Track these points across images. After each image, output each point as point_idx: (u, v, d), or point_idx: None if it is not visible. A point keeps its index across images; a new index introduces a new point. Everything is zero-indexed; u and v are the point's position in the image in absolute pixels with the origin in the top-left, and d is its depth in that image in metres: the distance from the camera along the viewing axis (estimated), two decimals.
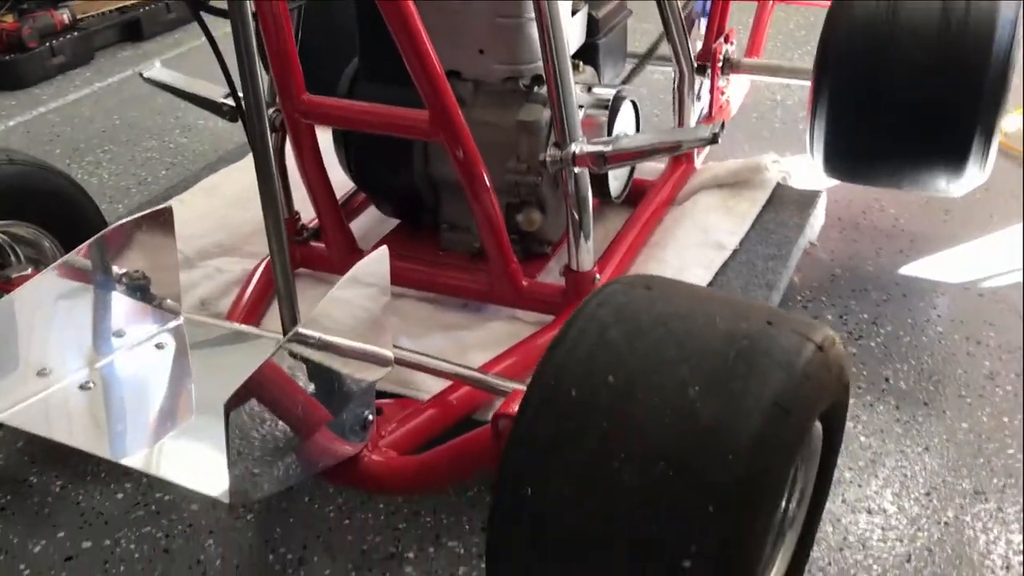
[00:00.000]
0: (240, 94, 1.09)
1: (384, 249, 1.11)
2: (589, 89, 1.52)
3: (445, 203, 1.61)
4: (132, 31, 3.43)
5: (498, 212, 1.40)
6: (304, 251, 1.64)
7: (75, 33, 3.24)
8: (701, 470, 0.80)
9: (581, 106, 1.48)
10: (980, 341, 1.70)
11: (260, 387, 0.95)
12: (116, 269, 1.26)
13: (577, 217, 1.39)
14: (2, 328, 1.11)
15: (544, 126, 1.47)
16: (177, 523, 1.40)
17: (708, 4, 2.02)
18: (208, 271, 1.67)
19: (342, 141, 1.60)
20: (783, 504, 1.05)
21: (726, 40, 2.04)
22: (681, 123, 1.82)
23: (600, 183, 1.51)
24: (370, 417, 1.17)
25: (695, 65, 1.77)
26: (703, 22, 2.01)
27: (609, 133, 1.46)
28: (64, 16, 3.23)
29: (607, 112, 1.47)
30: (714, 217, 1.68)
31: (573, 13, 1.53)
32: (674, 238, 1.64)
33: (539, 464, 0.87)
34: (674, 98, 1.81)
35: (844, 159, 1.84)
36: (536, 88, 1.49)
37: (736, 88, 2.14)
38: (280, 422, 1.00)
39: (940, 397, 1.58)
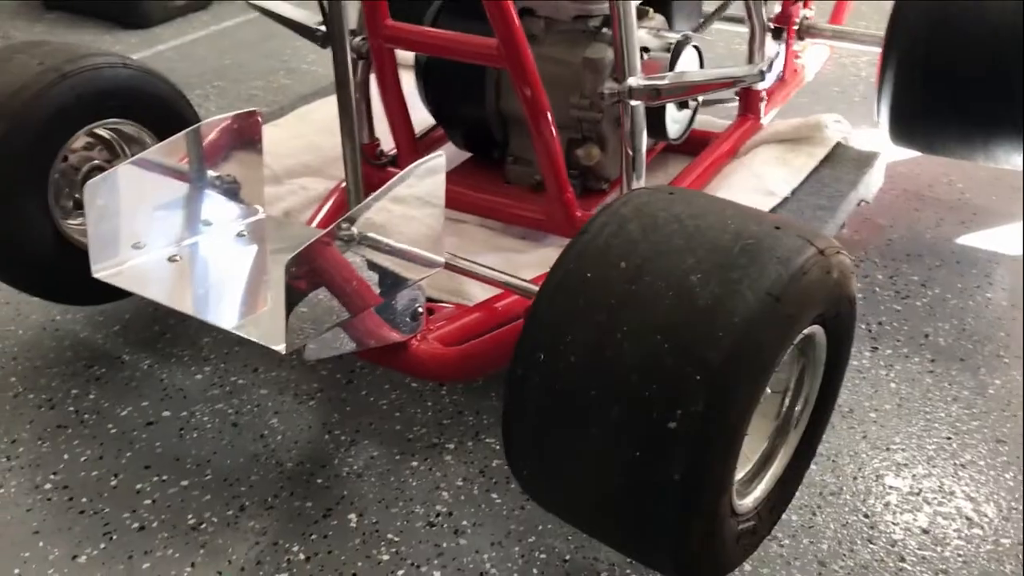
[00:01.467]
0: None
1: (441, 155, 1.23)
2: (656, 34, 1.60)
3: (512, 137, 1.72)
4: None
5: (557, 143, 1.50)
6: (382, 175, 1.77)
7: None
8: (692, 343, 0.89)
9: (646, 48, 1.56)
10: None
11: (313, 261, 1.08)
12: (207, 162, 1.41)
13: (631, 152, 1.48)
14: (104, 202, 1.26)
15: (608, 64, 1.56)
16: (247, 403, 1.55)
17: None
18: (293, 188, 1.82)
19: (423, 76, 1.72)
20: (783, 399, 1.13)
21: (804, 4, 2.09)
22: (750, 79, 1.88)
23: (658, 122, 1.60)
24: (420, 310, 1.29)
25: (767, 25, 1.83)
26: None
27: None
28: None
29: (669, 54, 1.55)
30: (770, 168, 1.74)
31: None
32: (728, 184, 1.71)
33: (552, 334, 0.97)
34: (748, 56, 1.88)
35: (911, 126, 1.88)
36: (603, 29, 1.58)
37: (813, 55, 2.18)
38: (333, 294, 1.13)
39: (977, 355, 1.61)
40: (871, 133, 2.01)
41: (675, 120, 1.63)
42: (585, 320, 0.95)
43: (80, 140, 1.54)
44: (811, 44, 2.13)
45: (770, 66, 1.34)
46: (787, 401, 1.14)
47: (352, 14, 1.56)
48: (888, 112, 1.88)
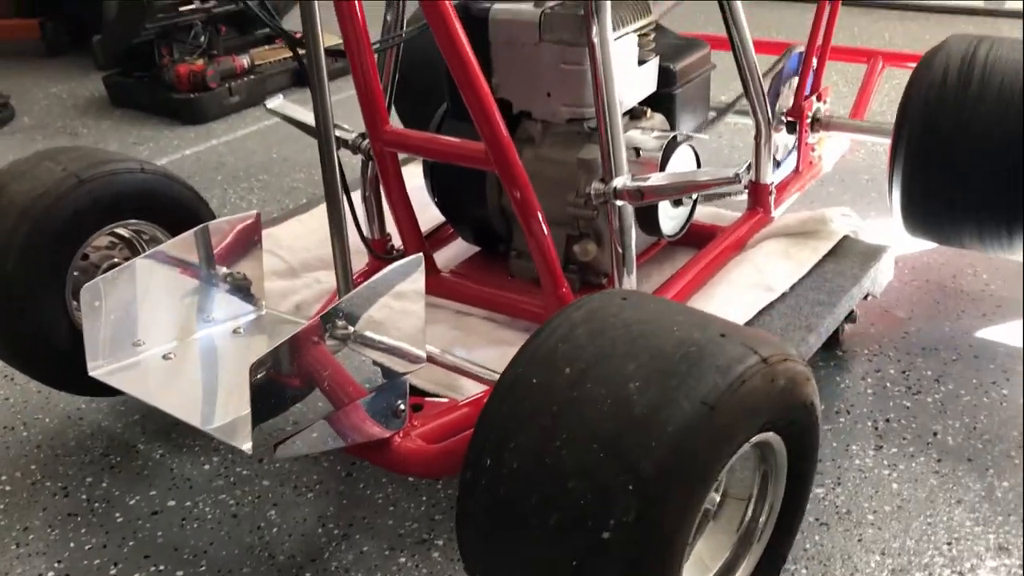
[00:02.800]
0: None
1: (419, 255, 1.27)
2: (651, 133, 1.63)
3: (515, 232, 1.76)
4: (301, 77, 3.80)
5: (549, 241, 1.53)
6: None
7: (251, 76, 3.63)
8: (627, 452, 0.90)
9: (638, 148, 1.60)
10: None
11: (286, 358, 1.12)
12: (208, 261, 1.48)
13: (621, 249, 1.50)
14: (100, 303, 1.33)
15: (600, 165, 1.59)
16: (248, 494, 1.59)
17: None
18: (308, 281, 1.88)
19: (429, 175, 1.78)
20: (746, 506, 1.12)
21: (819, 98, 2.11)
22: (758, 177, 1.89)
23: (652, 220, 1.62)
24: (402, 407, 1.32)
25: (772, 121, 1.85)
26: (795, 80, 2.08)
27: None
28: (244, 61, 3.63)
29: (660, 154, 1.58)
30: (773, 261, 1.74)
31: (641, 63, 1.65)
32: (728, 278, 1.72)
33: (499, 438, 0.99)
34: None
35: (923, 218, 1.87)
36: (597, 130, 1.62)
37: (832, 146, 2.19)
38: (311, 390, 1.17)
39: (986, 455, 1.57)
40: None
41: (670, 217, 1.65)
42: (530, 425, 0.97)
43: (102, 239, 1.63)
44: (827, 136, 2.14)
45: (748, 168, 1.36)
46: (750, 509, 1.13)
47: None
48: (900, 203, 1.87)
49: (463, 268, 1.83)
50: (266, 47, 3.82)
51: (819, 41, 2.06)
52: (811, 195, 2.41)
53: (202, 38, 3.65)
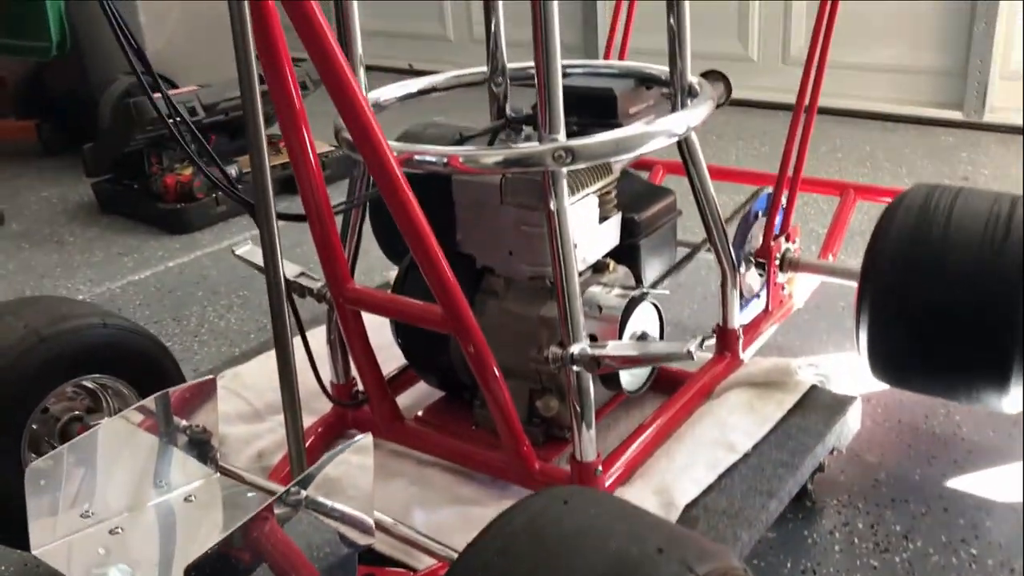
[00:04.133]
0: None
1: (368, 437, 1.27)
2: (613, 289, 1.64)
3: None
4: (290, 185, 3.84)
5: (508, 400, 1.52)
6: (356, 414, 1.82)
7: (239, 186, 3.66)
8: None
9: (599, 306, 1.60)
10: (1015, 569, 1.64)
11: (230, 548, 1.11)
12: (162, 427, 1.48)
13: (579, 410, 1.50)
14: (57, 477, 1.32)
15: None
16: None
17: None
18: (272, 425, 1.87)
19: (393, 321, 1.79)
20: None
21: (788, 238, 2.12)
22: (725, 321, 1.90)
23: (612, 377, 1.62)
24: None
25: (738, 265, 1.86)
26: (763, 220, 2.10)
27: (621, 334, 1.57)
28: (232, 170, 3.66)
29: (621, 313, 1.58)
30: (736, 416, 1.73)
31: (604, 219, 1.67)
32: (692, 434, 1.70)
33: None
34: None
35: (889, 363, 1.86)
36: None
37: (802, 283, 2.20)
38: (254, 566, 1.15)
39: None
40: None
41: (632, 373, 1.65)
42: None
43: (64, 390, 1.63)
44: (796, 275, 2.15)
45: (702, 343, 1.36)
46: None
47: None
48: (867, 350, 1.87)
49: (428, 414, 1.82)
50: None
51: (788, 178, 2.08)
52: (785, 324, 2.41)
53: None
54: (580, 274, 1.66)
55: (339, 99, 1.32)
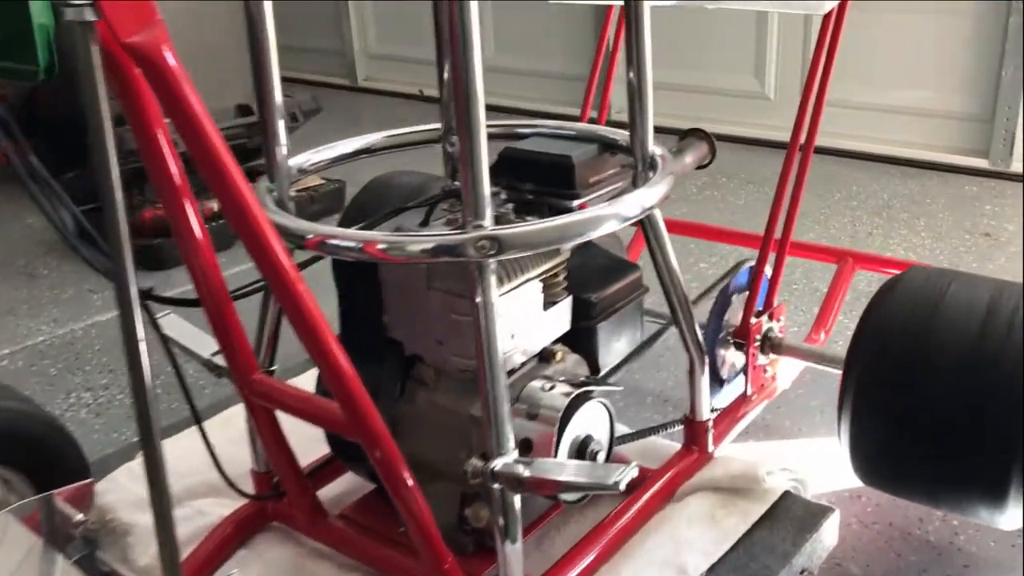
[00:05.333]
0: None
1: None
2: (553, 385, 1.46)
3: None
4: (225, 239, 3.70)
5: (424, 512, 1.34)
6: (276, 506, 1.65)
7: (219, 222, 3.53)
8: None
9: (531, 406, 1.42)
10: None
11: None
12: (45, 527, 1.32)
13: (503, 525, 1.31)
14: None
15: None
16: None
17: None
18: (189, 512, 1.70)
19: None
20: None
21: (771, 317, 1.93)
22: (693, 413, 1.71)
23: None
24: None
25: (704, 353, 1.66)
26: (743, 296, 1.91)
27: (559, 441, 1.39)
28: (213, 205, 3.53)
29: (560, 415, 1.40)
30: (695, 529, 1.54)
31: (549, 305, 1.49)
32: (643, 548, 1.51)
33: None
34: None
35: (869, 464, 1.66)
36: None
37: (787, 365, 2.00)
38: None
39: None
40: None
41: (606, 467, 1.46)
42: None
43: None
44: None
45: (636, 472, 1.18)
46: None
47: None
48: (849, 449, 1.67)
49: (353, 510, 1.64)
50: None
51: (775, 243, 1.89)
52: (777, 400, 2.22)
53: None
54: (520, 366, 1.48)
55: (209, 174, 1.16)
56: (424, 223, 1.52)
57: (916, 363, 1.56)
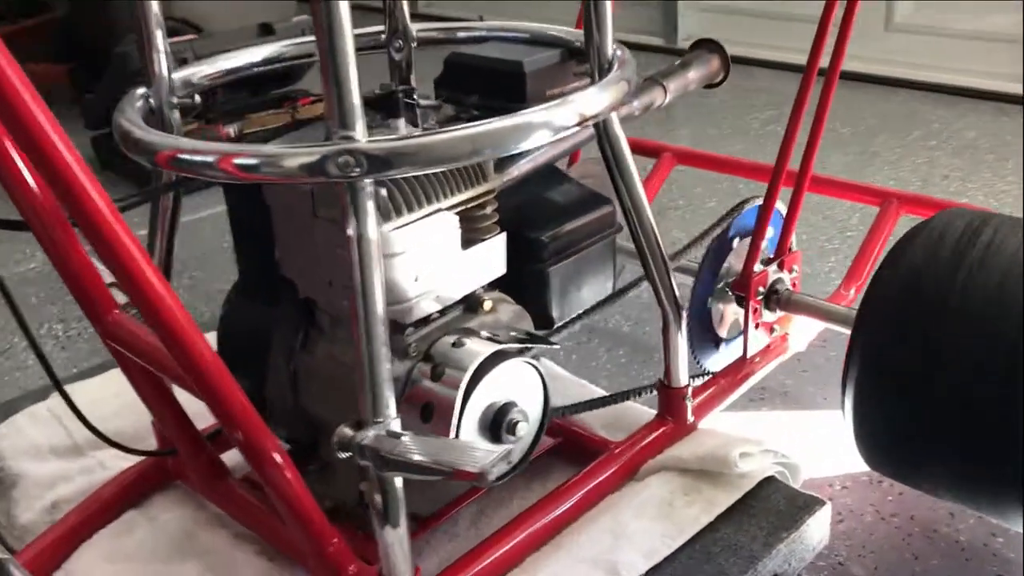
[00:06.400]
0: None
1: None
2: (471, 341, 1.20)
3: (321, 444, 1.35)
4: None
5: (296, 490, 1.11)
6: (176, 463, 1.45)
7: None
8: None
9: (438, 365, 1.17)
10: None
11: None
12: None
13: (380, 508, 1.07)
14: None
15: (395, 381, 1.17)
16: None
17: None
18: (89, 464, 1.52)
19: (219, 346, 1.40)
20: None
21: (781, 266, 1.61)
22: (668, 376, 1.43)
23: None
24: None
25: (682, 309, 1.38)
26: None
27: (462, 407, 1.13)
28: (231, 130, 3.34)
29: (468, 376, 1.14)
30: (644, 520, 1.26)
31: (471, 243, 1.22)
32: (576, 541, 1.25)
33: None
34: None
35: (877, 447, 1.36)
36: (403, 335, 1.19)
37: (804, 323, 1.69)
38: None
39: None
40: None
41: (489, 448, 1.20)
42: None
43: None
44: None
45: (501, 460, 0.91)
46: None
47: None
48: (852, 421, 1.37)
49: None
50: (269, 112, 3.54)
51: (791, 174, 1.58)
52: (803, 362, 1.92)
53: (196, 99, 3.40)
54: (434, 316, 1.23)
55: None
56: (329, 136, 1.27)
57: (939, 323, 1.24)
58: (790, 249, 1.68)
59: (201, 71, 1.39)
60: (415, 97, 1.33)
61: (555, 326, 1.40)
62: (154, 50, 1.24)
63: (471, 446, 0.96)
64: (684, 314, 1.38)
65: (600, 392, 1.60)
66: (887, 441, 1.33)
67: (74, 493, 1.45)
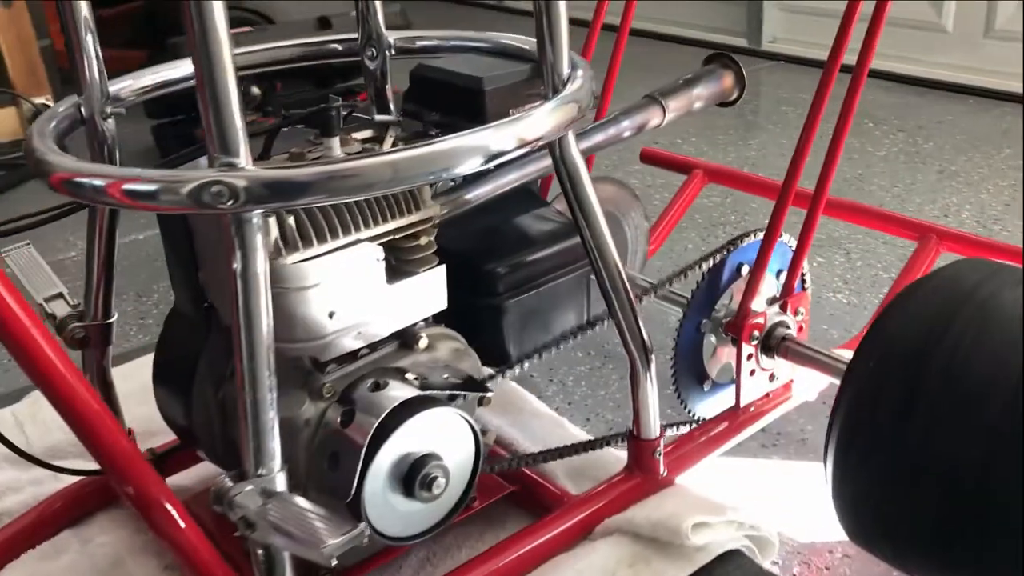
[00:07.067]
0: None
1: None
2: (381, 383, 1.09)
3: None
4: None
5: (191, 540, 1.04)
6: None
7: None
8: None
9: (350, 409, 1.07)
10: None
11: None
12: None
13: (263, 570, 0.98)
14: None
15: (304, 425, 1.08)
16: None
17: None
18: (41, 475, 1.47)
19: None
20: None
21: (784, 308, 1.46)
22: (637, 427, 1.30)
23: (356, 510, 1.07)
24: None
25: (650, 355, 1.24)
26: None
27: (366, 458, 1.03)
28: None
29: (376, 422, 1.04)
30: None
31: (403, 276, 1.12)
32: None
33: None
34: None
35: (856, 514, 1.20)
36: (323, 373, 1.10)
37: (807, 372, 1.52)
38: None
39: None
40: None
41: (398, 514, 1.09)
42: None
43: None
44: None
45: (354, 537, 0.81)
46: None
47: None
48: (831, 482, 1.20)
49: (197, 500, 1.35)
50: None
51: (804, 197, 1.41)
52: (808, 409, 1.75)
53: (254, 91, 3.40)
54: (357, 354, 1.13)
55: None
56: (263, 155, 1.18)
57: (923, 389, 1.08)
58: (805, 285, 1.52)
59: (139, 82, 1.32)
60: (369, 111, 1.24)
61: (512, 363, 1.29)
62: (84, 55, 1.17)
63: (327, 519, 0.85)
64: (653, 360, 1.25)
65: (577, 433, 1.48)
66: (866, 508, 1.17)
67: (20, 505, 1.41)
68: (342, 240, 1.06)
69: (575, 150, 1.14)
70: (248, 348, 0.94)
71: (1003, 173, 2.93)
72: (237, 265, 0.93)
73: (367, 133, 1.28)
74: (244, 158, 0.89)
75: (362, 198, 1.05)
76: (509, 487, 1.33)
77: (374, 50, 1.37)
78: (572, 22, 1.10)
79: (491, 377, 1.29)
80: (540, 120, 1.04)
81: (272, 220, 1.01)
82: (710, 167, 2.02)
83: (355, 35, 1.39)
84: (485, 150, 0.99)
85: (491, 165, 1.03)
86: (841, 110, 1.38)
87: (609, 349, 2.06)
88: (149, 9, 4.45)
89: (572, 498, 1.29)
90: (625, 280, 1.20)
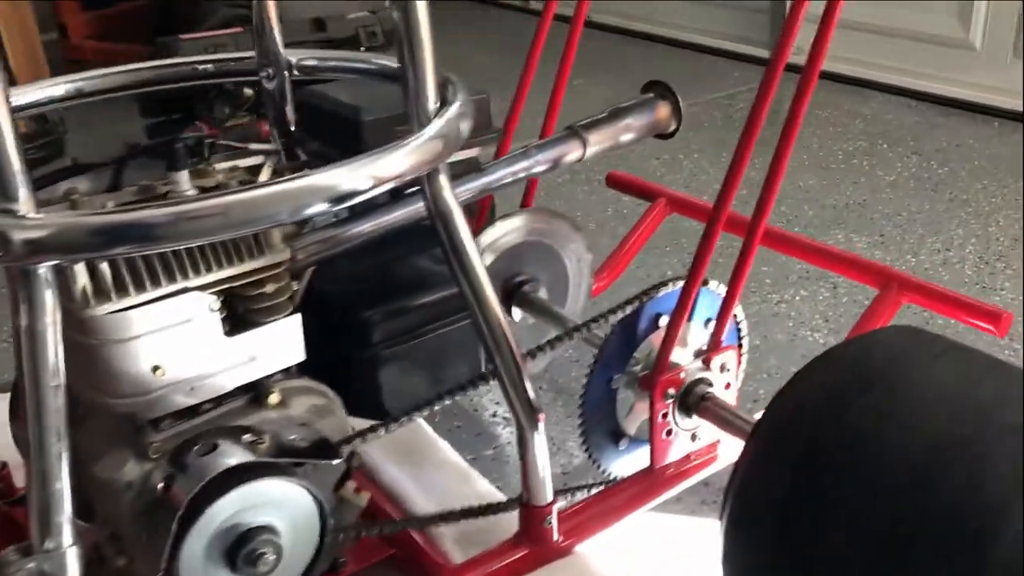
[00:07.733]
0: None
1: None
2: (211, 446, 1.00)
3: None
4: None
5: None
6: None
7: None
8: None
9: (172, 473, 0.97)
10: None
11: None
12: None
13: None
14: None
15: (126, 487, 0.99)
16: None
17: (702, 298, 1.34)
18: None
19: None
20: None
21: (707, 363, 1.33)
22: (526, 492, 1.19)
23: None
24: None
25: (537, 417, 1.13)
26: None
27: (180, 531, 0.94)
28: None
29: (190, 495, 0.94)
30: None
31: (245, 328, 1.02)
32: None
33: None
34: None
35: None
36: (156, 431, 1.01)
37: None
38: None
39: None
40: None
41: None
42: None
43: None
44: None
45: None
46: None
47: None
48: (723, 550, 1.07)
49: None
50: None
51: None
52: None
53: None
54: (205, 409, 1.03)
55: None
56: (112, 187, 1.09)
57: (812, 476, 0.95)
58: (741, 337, 1.40)
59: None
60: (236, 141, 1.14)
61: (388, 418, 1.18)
62: None
63: None
64: (542, 421, 1.13)
65: (483, 489, 1.37)
66: None
67: None
68: (166, 288, 0.96)
69: (447, 191, 1.03)
70: (34, 411, 0.85)
71: (1016, 204, 2.74)
72: (23, 321, 0.83)
73: (251, 161, 1.18)
74: (24, 203, 0.80)
75: (173, 248, 0.95)
76: (388, 551, 1.22)
77: (271, 71, 1.27)
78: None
79: (370, 430, 1.18)
80: (398, 159, 0.94)
81: (80, 266, 0.92)
82: (675, 196, 1.89)
83: (251, 53, 1.30)
84: (332, 191, 0.89)
85: (343, 207, 0.93)
86: (779, 142, 1.20)
87: (562, 384, 1.94)
88: (156, 6, 4.43)
89: (451, 568, 1.18)
90: (509, 334, 1.09)
